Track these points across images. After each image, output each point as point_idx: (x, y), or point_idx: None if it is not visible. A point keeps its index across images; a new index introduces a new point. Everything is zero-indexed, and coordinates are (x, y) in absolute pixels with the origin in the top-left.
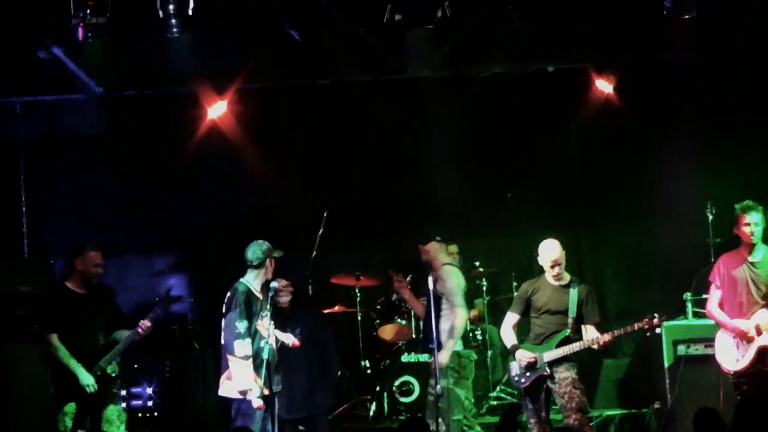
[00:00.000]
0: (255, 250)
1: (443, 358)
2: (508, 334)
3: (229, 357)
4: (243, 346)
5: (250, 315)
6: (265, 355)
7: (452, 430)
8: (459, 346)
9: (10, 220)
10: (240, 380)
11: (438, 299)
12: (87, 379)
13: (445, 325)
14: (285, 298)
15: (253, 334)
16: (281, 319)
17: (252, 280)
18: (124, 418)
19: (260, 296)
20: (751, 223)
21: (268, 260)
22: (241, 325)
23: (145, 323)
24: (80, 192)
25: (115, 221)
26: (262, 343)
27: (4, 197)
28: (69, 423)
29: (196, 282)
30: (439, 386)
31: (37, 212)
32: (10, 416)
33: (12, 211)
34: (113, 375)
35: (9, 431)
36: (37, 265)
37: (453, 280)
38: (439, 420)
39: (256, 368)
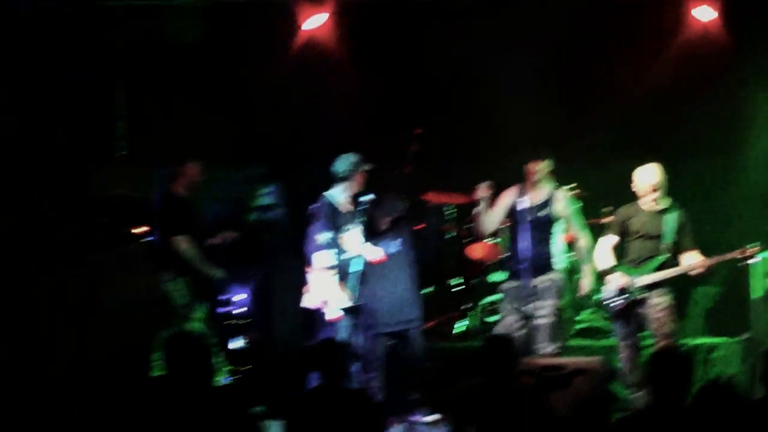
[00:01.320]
0: (342, 163)
1: (587, 283)
2: (603, 258)
3: (310, 268)
4: (323, 258)
5: (334, 227)
6: (351, 268)
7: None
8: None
9: (105, 125)
10: (318, 292)
11: (540, 221)
12: (219, 272)
13: (555, 248)
14: (385, 227)
15: (336, 246)
16: (379, 234)
17: (338, 193)
18: None
19: (346, 209)
20: None
21: (355, 173)
22: (323, 237)
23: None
24: (175, 98)
25: (209, 129)
26: (346, 256)
27: (100, 103)
28: (199, 327)
29: (288, 193)
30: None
31: (132, 118)
32: (104, 320)
33: (108, 116)
34: None
35: (104, 335)
36: (133, 170)
37: (573, 203)
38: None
39: (339, 281)
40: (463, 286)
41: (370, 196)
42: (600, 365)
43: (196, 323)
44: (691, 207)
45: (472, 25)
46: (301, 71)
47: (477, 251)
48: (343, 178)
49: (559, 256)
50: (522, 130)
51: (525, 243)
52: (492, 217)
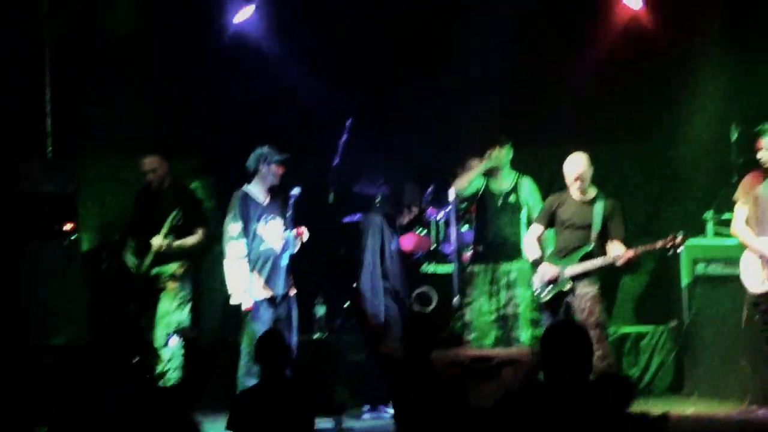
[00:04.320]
0: (251, 157)
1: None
2: (531, 247)
3: (225, 261)
4: (235, 248)
5: (246, 218)
6: (272, 260)
7: None
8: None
9: (35, 118)
10: (233, 282)
11: (509, 206)
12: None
13: (523, 234)
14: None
15: (252, 237)
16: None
17: (252, 186)
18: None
19: (263, 201)
20: (763, 147)
21: (264, 166)
22: (234, 228)
23: None
24: (107, 91)
25: (141, 122)
26: (263, 247)
27: (30, 95)
28: None
29: (217, 187)
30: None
31: (62, 111)
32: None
33: (37, 109)
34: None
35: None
36: (62, 164)
37: (536, 192)
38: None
39: (257, 271)
40: None
41: (296, 191)
42: (529, 355)
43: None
44: (623, 194)
45: (410, 8)
46: (233, 63)
47: (408, 242)
48: (255, 171)
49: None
50: (456, 118)
51: (493, 227)
52: (465, 179)
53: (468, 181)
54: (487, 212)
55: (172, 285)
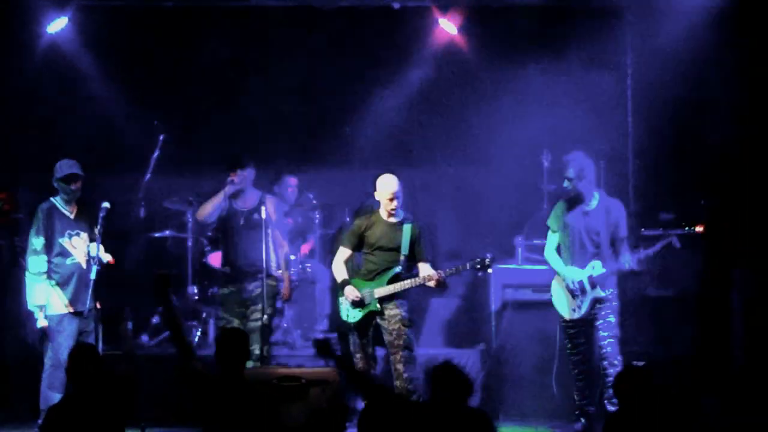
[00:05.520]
0: (56, 169)
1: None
2: (339, 269)
3: (26, 274)
4: (36, 262)
5: (51, 232)
6: (78, 274)
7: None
8: None
9: None
10: (32, 296)
11: (253, 225)
12: None
13: (270, 252)
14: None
15: (58, 251)
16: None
17: (59, 199)
18: None
19: (70, 215)
20: (566, 177)
21: (55, 182)
22: (37, 242)
23: None
24: None
25: None
26: (69, 261)
27: None
28: None
29: (26, 199)
30: (266, 315)
31: None
32: None
33: None
34: None
35: None
36: None
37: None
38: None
39: (61, 285)
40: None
41: (106, 204)
42: (336, 376)
43: None
44: (435, 217)
45: (223, 31)
46: (46, 75)
47: (217, 260)
48: (59, 184)
49: (273, 260)
50: (267, 138)
51: (240, 247)
52: (209, 206)
53: (212, 207)
54: (232, 233)
55: None
